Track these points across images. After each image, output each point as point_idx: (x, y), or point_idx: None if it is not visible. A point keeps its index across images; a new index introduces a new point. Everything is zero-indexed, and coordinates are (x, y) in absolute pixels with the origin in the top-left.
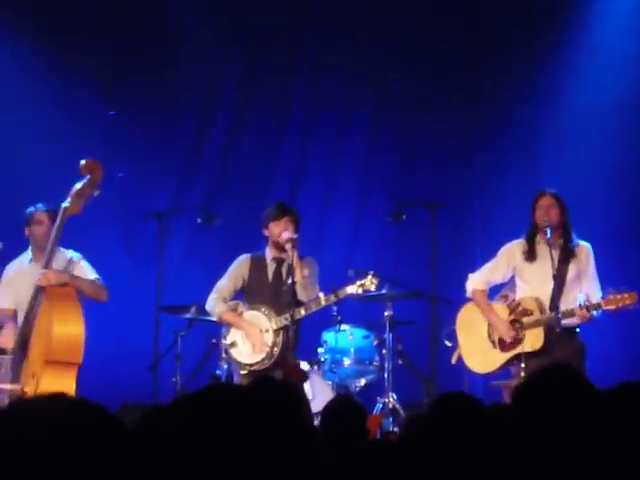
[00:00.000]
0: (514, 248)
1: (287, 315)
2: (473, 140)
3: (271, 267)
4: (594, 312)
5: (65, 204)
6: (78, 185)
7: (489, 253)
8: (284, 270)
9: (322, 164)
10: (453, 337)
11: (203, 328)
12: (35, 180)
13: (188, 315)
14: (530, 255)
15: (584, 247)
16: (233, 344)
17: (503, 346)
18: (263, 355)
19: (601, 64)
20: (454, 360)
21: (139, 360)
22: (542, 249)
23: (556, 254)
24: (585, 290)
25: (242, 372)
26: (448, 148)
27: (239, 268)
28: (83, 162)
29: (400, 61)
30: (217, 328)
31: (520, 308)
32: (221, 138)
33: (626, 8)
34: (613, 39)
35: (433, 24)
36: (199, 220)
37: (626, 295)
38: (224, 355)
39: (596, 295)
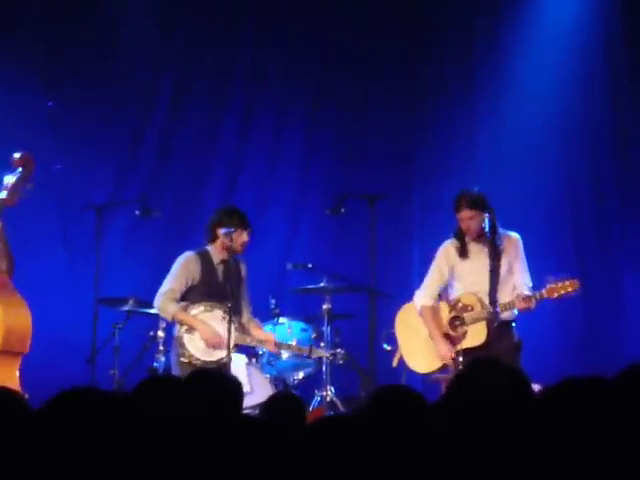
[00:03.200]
0: (448, 247)
1: (244, 337)
2: (412, 132)
3: (219, 268)
4: (534, 301)
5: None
6: (11, 178)
7: (427, 246)
8: (230, 271)
9: (260, 157)
10: (392, 340)
11: (141, 321)
12: None
13: (126, 307)
14: (463, 252)
15: (512, 238)
16: (190, 330)
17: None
18: (213, 359)
19: (540, 59)
20: (395, 363)
21: (77, 353)
22: (473, 246)
23: (485, 250)
24: (517, 280)
25: (182, 360)
26: (387, 141)
27: (188, 267)
28: (16, 155)
29: (339, 54)
30: (155, 321)
31: (460, 304)
32: (159, 131)
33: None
34: (553, 33)
35: (371, 17)
36: (137, 212)
37: (567, 282)
38: (161, 347)
39: (527, 283)
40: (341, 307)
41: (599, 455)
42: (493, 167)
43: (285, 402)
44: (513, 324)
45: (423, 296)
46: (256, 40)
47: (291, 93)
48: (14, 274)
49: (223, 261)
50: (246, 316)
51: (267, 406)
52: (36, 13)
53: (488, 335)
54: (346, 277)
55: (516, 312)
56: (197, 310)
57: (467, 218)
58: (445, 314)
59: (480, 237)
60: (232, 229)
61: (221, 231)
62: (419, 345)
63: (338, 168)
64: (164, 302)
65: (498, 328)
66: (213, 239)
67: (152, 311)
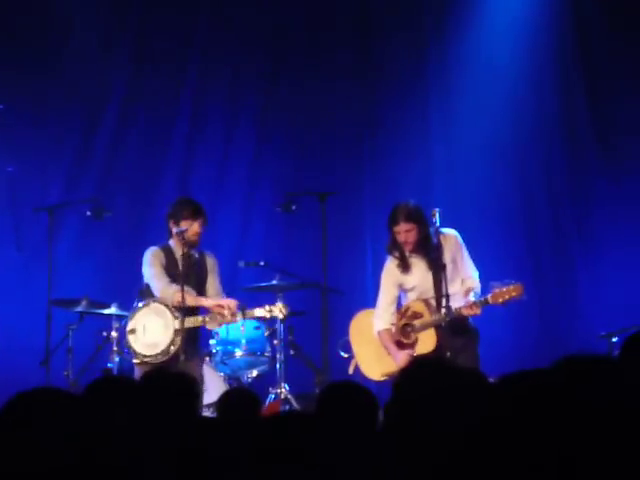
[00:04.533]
0: (390, 266)
1: (192, 319)
2: (363, 128)
3: (180, 261)
4: (480, 307)
5: None
6: None
7: (379, 242)
8: (192, 264)
9: (211, 155)
10: (347, 347)
11: (94, 321)
12: None
13: (79, 308)
14: (404, 267)
15: (450, 235)
16: (132, 331)
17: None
18: (158, 351)
19: (492, 48)
20: (351, 370)
21: (30, 355)
22: (412, 258)
23: (425, 260)
24: (463, 274)
25: (135, 361)
26: (336, 137)
27: (156, 257)
28: None
29: (288, 51)
30: (107, 321)
31: (410, 312)
32: (110, 131)
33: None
34: (504, 28)
35: (322, 12)
36: (88, 213)
37: (511, 287)
38: (115, 348)
39: (473, 275)
40: (293, 304)
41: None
42: (446, 164)
43: (239, 398)
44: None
45: (380, 319)
46: (207, 35)
47: (241, 90)
48: None
49: (184, 254)
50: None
51: (222, 402)
52: None
53: (437, 341)
54: (298, 274)
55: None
56: (152, 303)
57: (404, 231)
58: (396, 322)
59: (418, 248)
60: (184, 229)
61: (173, 230)
62: (374, 352)
63: (289, 165)
64: (163, 288)
65: (453, 321)
66: (171, 233)
67: (105, 312)
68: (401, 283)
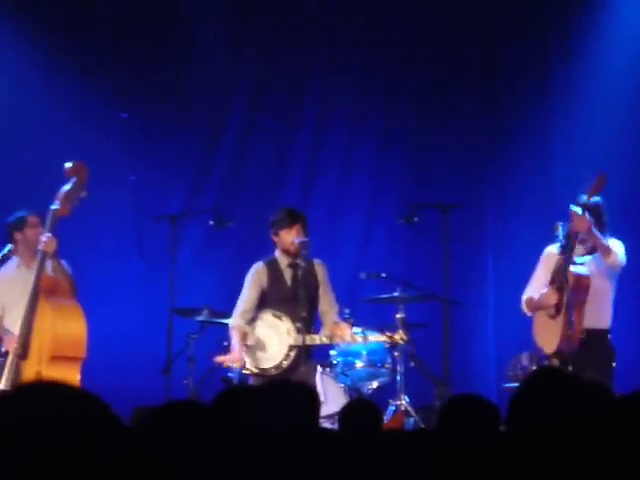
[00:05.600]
0: (550, 252)
1: (303, 337)
2: (487, 141)
3: (287, 273)
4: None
5: (54, 206)
6: (65, 187)
7: (502, 255)
8: (300, 275)
9: (333, 166)
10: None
11: (215, 331)
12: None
13: (200, 318)
14: (564, 249)
15: (613, 244)
16: (247, 346)
17: (557, 311)
18: (270, 365)
19: (615, 65)
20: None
21: (151, 363)
22: (576, 249)
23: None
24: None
25: (245, 372)
26: (461, 149)
27: (257, 277)
28: (68, 165)
29: (413, 62)
30: (229, 331)
31: (553, 274)
32: (233, 141)
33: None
34: (631, 38)
35: (447, 25)
36: (211, 223)
37: (595, 181)
38: None
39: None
40: (415, 316)
41: None
42: (568, 177)
43: (362, 409)
44: (608, 335)
45: (526, 291)
46: (330, 48)
47: (365, 100)
48: (76, 292)
49: (291, 265)
50: (330, 317)
51: (344, 414)
52: (110, 24)
53: (559, 344)
54: (419, 286)
55: (609, 322)
56: (265, 315)
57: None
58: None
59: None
60: (279, 230)
61: (276, 241)
62: (550, 327)
63: (411, 177)
64: (238, 323)
65: (591, 337)
66: (275, 244)
67: (226, 321)
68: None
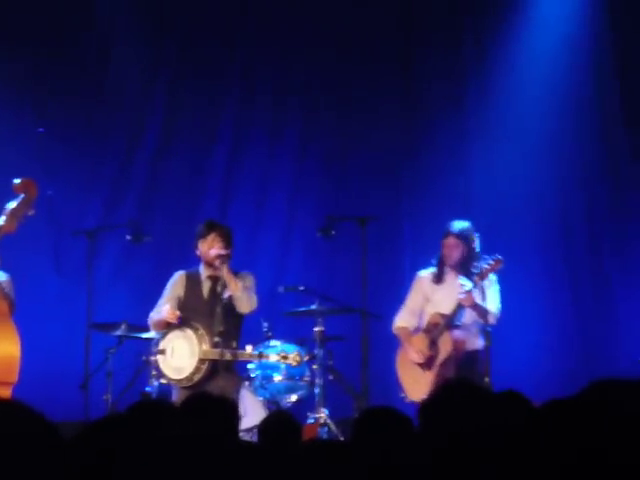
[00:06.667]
0: (422, 277)
1: (217, 351)
2: (402, 153)
3: (206, 284)
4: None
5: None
6: (12, 204)
7: (419, 267)
8: (219, 287)
9: (251, 180)
10: (376, 377)
11: (133, 345)
12: None
13: (118, 332)
14: (439, 278)
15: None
16: (162, 351)
17: (429, 365)
18: (182, 376)
19: (531, 70)
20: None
21: (70, 378)
22: (449, 275)
23: (460, 280)
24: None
25: (162, 380)
26: (377, 162)
27: (175, 285)
28: (17, 181)
29: (329, 76)
30: (147, 345)
31: (430, 325)
32: (150, 155)
33: (557, 13)
34: (546, 42)
35: (362, 39)
36: (128, 237)
37: (493, 263)
38: (154, 372)
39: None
40: (333, 329)
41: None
42: (485, 189)
43: (281, 422)
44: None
45: (397, 317)
46: (246, 66)
47: (281, 116)
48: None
49: (210, 277)
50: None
51: (263, 427)
52: (24, 37)
53: (464, 351)
54: (338, 299)
55: (481, 343)
56: (182, 326)
57: (452, 245)
58: (426, 343)
59: (457, 268)
60: (198, 240)
61: (199, 254)
62: (413, 375)
63: (329, 190)
64: (150, 317)
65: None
66: (199, 258)
67: (145, 335)
68: (426, 293)
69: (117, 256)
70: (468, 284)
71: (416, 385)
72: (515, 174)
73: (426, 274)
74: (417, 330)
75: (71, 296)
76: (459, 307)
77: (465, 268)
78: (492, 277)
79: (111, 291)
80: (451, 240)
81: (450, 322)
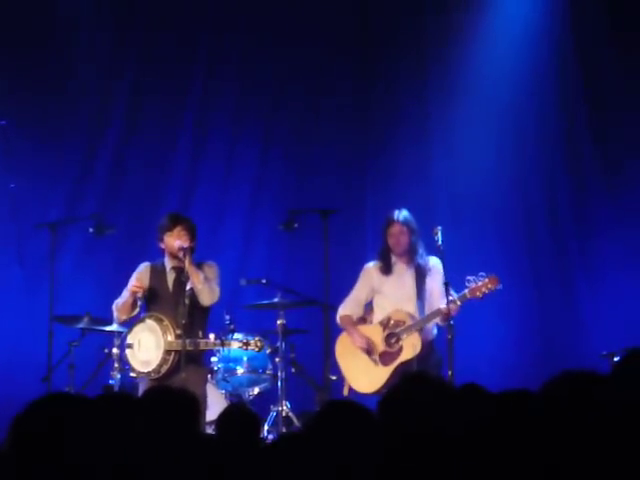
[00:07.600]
0: (370, 268)
1: (183, 342)
2: (365, 146)
3: (170, 276)
4: (459, 304)
5: None
6: None
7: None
8: (183, 278)
9: (214, 173)
10: (336, 370)
11: (96, 338)
12: None
13: (81, 325)
14: (386, 269)
15: (434, 261)
16: (130, 345)
17: (385, 360)
18: (149, 369)
19: (493, 69)
20: (345, 392)
21: (32, 371)
22: (397, 265)
23: (411, 271)
24: (436, 302)
25: (132, 374)
26: (339, 155)
27: (139, 275)
28: None
29: (290, 69)
30: (109, 338)
31: (392, 321)
32: (112, 148)
33: (517, 9)
34: (505, 36)
35: (321, 32)
36: (91, 230)
37: (487, 280)
38: (117, 365)
39: (442, 303)
40: (295, 322)
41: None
42: (447, 181)
43: (238, 415)
44: (433, 345)
45: (342, 306)
46: (210, 56)
47: (244, 109)
48: None
49: (175, 268)
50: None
51: (221, 420)
52: None
53: (422, 344)
54: (300, 292)
55: (435, 332)
56: (147, 318)
57: (398, 233)
58: (380, 334)
59: (405, 257)
60: (163, 234)
61: (162, 247)
62: (361, 366)
63: (291, 183)
64: (113, 307)
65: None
66: (163, 250)
67: (107, 328)
68: (375, 285)
69: (80, 249)
70: (455, 295)
71: (361, 376)
72: (478, 172)
73: (374, 265)
74: (363, 320)
75: (34, 288)
76: (437, 314)
77: (411, 256)
78: (438, 267)
79: (74, 284)
80: (397, 227)
81: (421, 326)
